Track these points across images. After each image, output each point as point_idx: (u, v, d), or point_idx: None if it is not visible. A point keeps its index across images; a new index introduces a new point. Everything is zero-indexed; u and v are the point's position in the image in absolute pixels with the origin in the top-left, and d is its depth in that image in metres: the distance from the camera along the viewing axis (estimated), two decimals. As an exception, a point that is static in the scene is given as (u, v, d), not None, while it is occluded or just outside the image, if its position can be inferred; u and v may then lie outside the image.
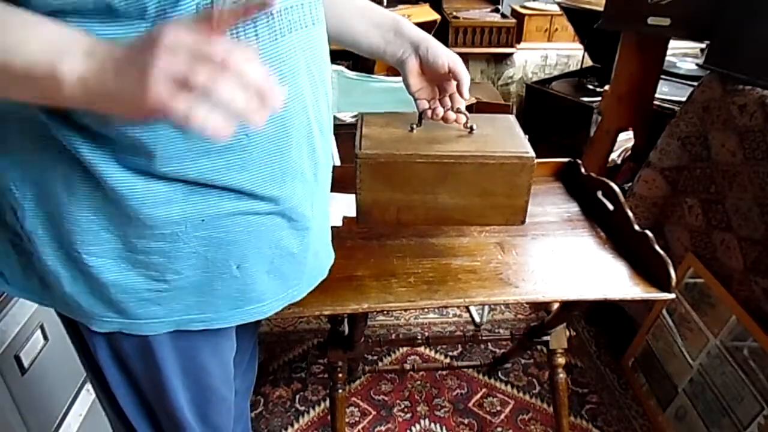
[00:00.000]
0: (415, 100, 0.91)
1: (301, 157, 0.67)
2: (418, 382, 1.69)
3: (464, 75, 0.85)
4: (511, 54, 2.84)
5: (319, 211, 0.76)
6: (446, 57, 0.85)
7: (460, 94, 0.87)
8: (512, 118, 0.98)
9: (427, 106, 0.90)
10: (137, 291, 0.66)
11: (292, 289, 0.77)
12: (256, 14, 0.48)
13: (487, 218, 0.92)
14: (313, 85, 0.66)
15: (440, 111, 0.88)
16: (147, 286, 0.66)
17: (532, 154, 0.87)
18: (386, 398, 1.63)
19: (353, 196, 1.14)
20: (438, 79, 0.88)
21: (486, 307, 1.92)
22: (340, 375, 1.29)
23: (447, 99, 0.89)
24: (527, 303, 1.88)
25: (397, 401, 1.62)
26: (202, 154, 0.59)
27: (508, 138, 0.91)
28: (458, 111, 0.89)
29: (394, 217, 0.91)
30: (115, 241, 0.63)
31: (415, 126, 0.91)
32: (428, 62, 0.85)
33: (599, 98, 2.13)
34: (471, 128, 0.91)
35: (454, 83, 0.87)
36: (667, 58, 1.85)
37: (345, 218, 1.08)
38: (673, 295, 0.90)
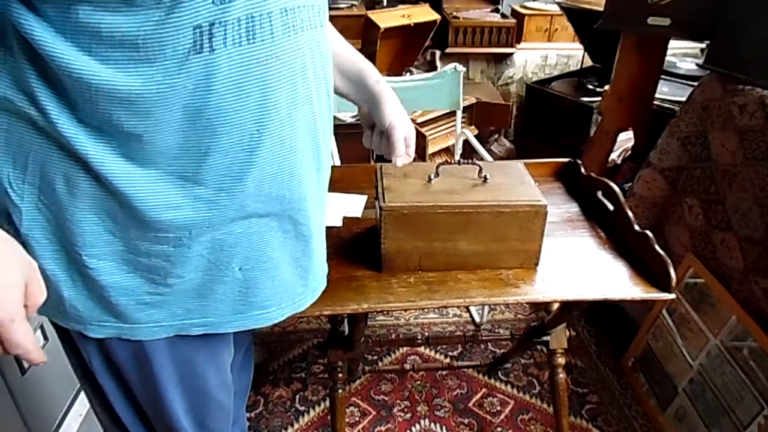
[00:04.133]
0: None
1: (307, 158, 0.67)
2: (418, 382, 1.68)
3: (396, 146, 0.86)
4: (511, 54, 2.84)
5: (319, 216, 0.75)
6: (389, 122, 0.85)
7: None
8: (521, 165, 1.03)
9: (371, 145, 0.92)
10: (138, 294, 0.65)
11: (298, 298, 0.77)
12: None
13: (504, 263, 0.96)
14: (318, 85, 0.66)
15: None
16: (148, 290, 0.66)
17: (544, 202, 0.92)
18: (386, 398, 1.63)
19: (353, 196, 1.14)
20: None
21: (486, 307, 1.92)
22: (340, 375, 1.29)
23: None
24: (527, 303, 1.88)
25: (397, 401, 1.62)
26: (208, 152, 0.59)
27: (519, 186, 0.96)
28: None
29: (417, 264, 0.95)
30: (117, 243, 0.62)
31: (432, 177, 0.95)
32: (376, 118, 0.87)
33: (599, 98, 2.13)
34: (485, 178, 0.95)
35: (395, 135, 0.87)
36: (667, 58, 1.85)
37: (345, 218, 1.08)
38: (673, 296, 0.90)
